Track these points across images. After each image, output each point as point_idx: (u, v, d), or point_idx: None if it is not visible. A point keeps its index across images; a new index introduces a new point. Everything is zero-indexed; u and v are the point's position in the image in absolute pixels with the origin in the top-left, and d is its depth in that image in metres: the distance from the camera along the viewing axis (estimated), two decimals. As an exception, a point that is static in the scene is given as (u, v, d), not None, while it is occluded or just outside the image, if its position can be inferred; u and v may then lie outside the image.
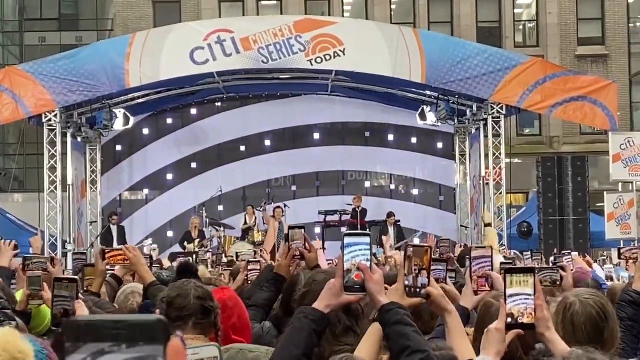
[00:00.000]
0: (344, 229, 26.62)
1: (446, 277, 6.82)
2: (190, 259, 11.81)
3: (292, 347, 3.60)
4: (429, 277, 3.73)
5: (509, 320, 3.67)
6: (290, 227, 6.51)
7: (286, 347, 3.63)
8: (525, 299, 3.69)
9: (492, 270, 5.72)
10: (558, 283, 7.28)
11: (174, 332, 1.13)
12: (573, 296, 4.65)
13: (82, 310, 5.28)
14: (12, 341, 3.33)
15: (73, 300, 5.22)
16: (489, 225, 24.16)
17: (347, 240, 3.69)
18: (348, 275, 3.65)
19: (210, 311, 4.89)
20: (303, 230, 6.49)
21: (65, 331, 1.08)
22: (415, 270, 3.73)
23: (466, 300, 5.45)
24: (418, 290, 3.71)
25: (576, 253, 10.44)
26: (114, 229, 26.48)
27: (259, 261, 8.12)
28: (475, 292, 5.45)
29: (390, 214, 26.63)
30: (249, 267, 7.93)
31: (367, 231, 3.81)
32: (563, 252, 10.32)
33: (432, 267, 6.75)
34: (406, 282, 3.71)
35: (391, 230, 26.22)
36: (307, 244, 6.38)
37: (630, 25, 39.96)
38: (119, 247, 7.60)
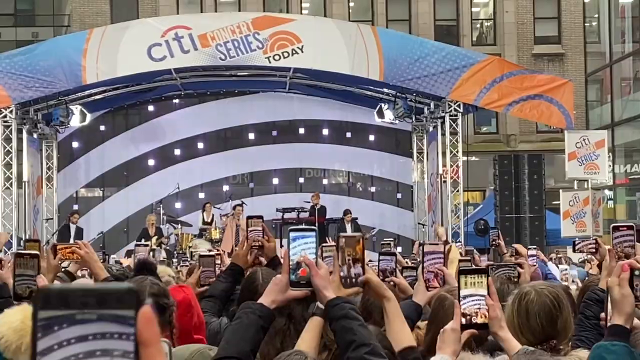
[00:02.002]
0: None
1: (395, 269, 6.83)
2: (149, 254, 11.71)
3: (240, 343, 3.58)
4: (363, 267, 3.72)
5: (463, 320, 3.71)
6: (249, 217, 6.45)
7: (234, 342, 3.61)
8: (479, 299, 3.73)
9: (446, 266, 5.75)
10: (515, 280, 7.32)
11: (145, 300, 1.13)
12: (529, 286, 4.71)
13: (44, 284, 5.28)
14: None
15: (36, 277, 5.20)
16: (446, 242, 24.08)
17: (292, 235, 3.66)
18: (293, 270, 3.64)
19: (165, 309, 4.87)
20: (261, 219, 6.43)
21: (35, 300, 1.07)
22: (348, 260, 3.72)
23: (418, 296, 5.46)
24: (353, 280, 3.71)
25: (519, 246, 10.46)
26: (73, 227, 26.29)
27: (213, 256, 7.93)
28: (427, 288, 5.46)
29: (346, 212, 26.66)
30: (202, 269, 7.69)
31: (312, 227, 3.78)
32: (528, 247, 10.36)
33: (381, 259, 6.79)
34: (341, 273, 3.71)
35: (348, 227, 26.25)
36: (265, 234, 6.33)
37: (586, 24, 40.29)
38: (71, 243, 7.53)
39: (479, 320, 3.72)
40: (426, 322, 5.14)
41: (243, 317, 3.65)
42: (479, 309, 3.73)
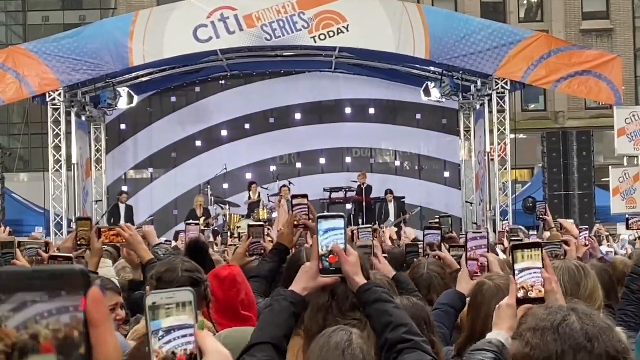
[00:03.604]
0: (349, 206, 26.66)
1: (441, 244, 6.80)
2: (200, 233, 11.59)
3: (273, 329, 3.59)
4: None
5: (520, 295, 3.67)
6: (294, 196, 6.43)
7: (267, 328, 3.62)
8: (534, 272, 3.70)
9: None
10: (562, 258, 7.26)
11: (94, 282, 1.14)
12: (559, 261, 4.68)
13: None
14: None
15: None
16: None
17: (321, 223, 3.65)
18: (323, 258, 3.63)
19: (199, 283, 4.90)
20: (306, 198, 6.39)
21: None
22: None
23: (462, 285, 5.43)
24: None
25: (571, 221, 10.37)
26: (122, 207, 26.47)
27: (262, 226, 7.75)
28: (471, 277, 5.42)
29: (387, 191, 26.58)
30: (251, 239, 7.41)
31: (341, 213, 3.75)
32: (580, 227, 10.25)
33: (427, 233, 6.75)
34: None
35: (391, 206, 26.22)
36: (310, 212, 6.30)
37: (634, -1, 39.81)
38: (115, 226, 7.57)
39: (535, 294, 3.69)
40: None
41: (275, 304, 3.66)
42: (535, 283, 3.69)
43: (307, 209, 6.28)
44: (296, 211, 6.29)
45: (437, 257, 6.69)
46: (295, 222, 6.31)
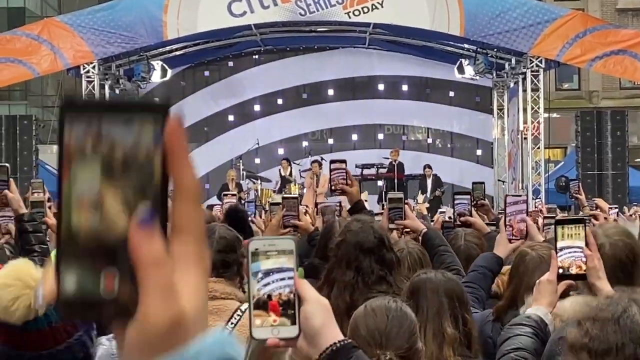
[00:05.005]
0: (380, 183, 26.63)
1: (471, 209, 6.74)
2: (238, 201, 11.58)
3: None
4: None
5: (560, 270, 3.67)
6: (332, 161, 6.41)
7: None
8: (576, 250, 3.69)
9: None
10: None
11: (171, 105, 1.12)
12: (603, 236, 4.54)
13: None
14: (26, 271, 3.39)
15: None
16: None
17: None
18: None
19: (230, 264, 4.87)
20: (345, 163, 6.38)
21: (63, 107, 1.07)
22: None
23: (500, 248, 5.39)
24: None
25: (600, 200, 10.31)
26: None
27: (296, 198, 7.70)
28: (510, 240, 5.40)
29: (426, 167, 26.54)
30: (285, 211, 7.28)
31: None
32: (610, 206, 10.21)
33: (456, 200, 6.69)
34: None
35: (429, 182, 26.17)
36: (348, 177, 6.30)
37: (672, -22, 39.41)
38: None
39: (576, 270, 3.68)
40: (508, 267, 5.09)
41: None
42: (575, 259, 3.68)
43: (344, 174, 6.29)
44: (334, 175, 6.28)
45: (467, 223, 6.64)
46: (333, 187, 6.33)
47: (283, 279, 2.02)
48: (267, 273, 2.03)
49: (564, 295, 3.82)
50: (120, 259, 1.01)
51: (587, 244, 3.70)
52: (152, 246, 1.01)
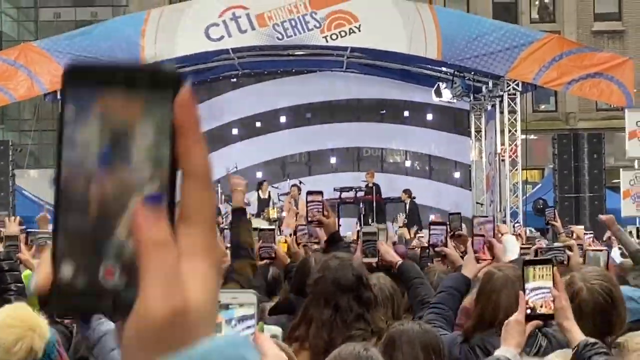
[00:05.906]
0: (361, 206, 26.62)
1: (446, 240, 6.73)
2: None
3: None
4: None
5: (529, 311, 3.67)
6: (309, 192, 6.39)
7: None
8: (545, 291, 3.69)
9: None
10: (565, 263, 7.19)
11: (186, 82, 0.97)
12: (580, 280, 4.50)
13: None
14: (28, 314, 3.37)
15: None
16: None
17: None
18: None
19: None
20: (321, 195, 6.35)
21: (64, 75, 0.99)
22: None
23: (468, 268, 5.39)
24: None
25: (581, 227, 10.36)
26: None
27: (272, 230, 7.72)
28: (477, 260, 5.40)
29: (405, 191, 26.55)
30: (261, 243, 7.31)
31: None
32: (585, 232, 10.24)
33: (432, 231, 6.68)
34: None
35: (403, 207, 26.18)
36: (325, 209, 6.27)
37: (647, 0, 39.66)
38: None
39: (545, 310, 3.69)
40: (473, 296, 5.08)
41: None
42: (545, 299, 3.69)
43: (321, 206, 6.26)
44: (310, 207, 6.26)
45: (441, 253, 6.63)
46: (310, 219, 6.31)
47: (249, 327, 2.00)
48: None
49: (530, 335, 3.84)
50: (122, 246, 0.92)
51: (554, 284, 3.70)
52: (157, 227, 0.91)
